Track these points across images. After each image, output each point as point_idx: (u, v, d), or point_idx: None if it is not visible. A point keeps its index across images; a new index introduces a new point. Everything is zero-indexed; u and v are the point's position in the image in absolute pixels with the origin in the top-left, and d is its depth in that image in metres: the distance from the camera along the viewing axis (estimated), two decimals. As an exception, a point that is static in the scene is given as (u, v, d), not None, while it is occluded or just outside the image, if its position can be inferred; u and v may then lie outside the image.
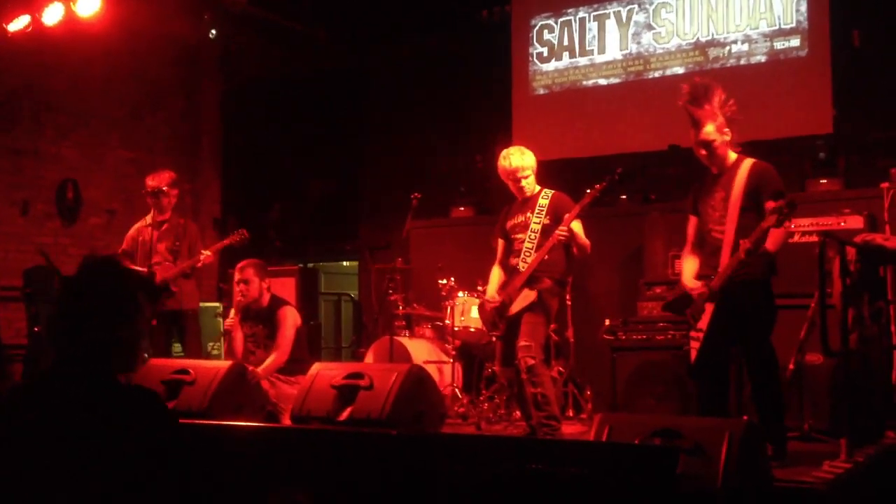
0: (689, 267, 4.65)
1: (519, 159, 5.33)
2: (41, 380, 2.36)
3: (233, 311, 6.32)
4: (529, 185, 5.36)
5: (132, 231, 6.86)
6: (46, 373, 2.37)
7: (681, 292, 4.66)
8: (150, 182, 6.69)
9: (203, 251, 6.53)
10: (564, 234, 5.06)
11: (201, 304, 7.17)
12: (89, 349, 2.31)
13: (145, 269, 6.49)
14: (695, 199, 4.71)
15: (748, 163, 4.53)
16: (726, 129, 4.52)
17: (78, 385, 2.28)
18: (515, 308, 5.20)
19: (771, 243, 4.31)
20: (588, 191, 5.16)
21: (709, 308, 4.43)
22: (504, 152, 5.41)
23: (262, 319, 6.13)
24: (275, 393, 5.85)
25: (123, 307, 2.38)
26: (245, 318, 6.20)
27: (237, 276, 6.13)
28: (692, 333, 4.51)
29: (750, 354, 4.45)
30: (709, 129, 4.49)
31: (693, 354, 4.49)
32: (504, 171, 5.38)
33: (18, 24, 7.57)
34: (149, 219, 6.73)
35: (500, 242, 5.51)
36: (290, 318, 6.08)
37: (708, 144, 4.51)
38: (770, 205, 4.32)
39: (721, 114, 4.53)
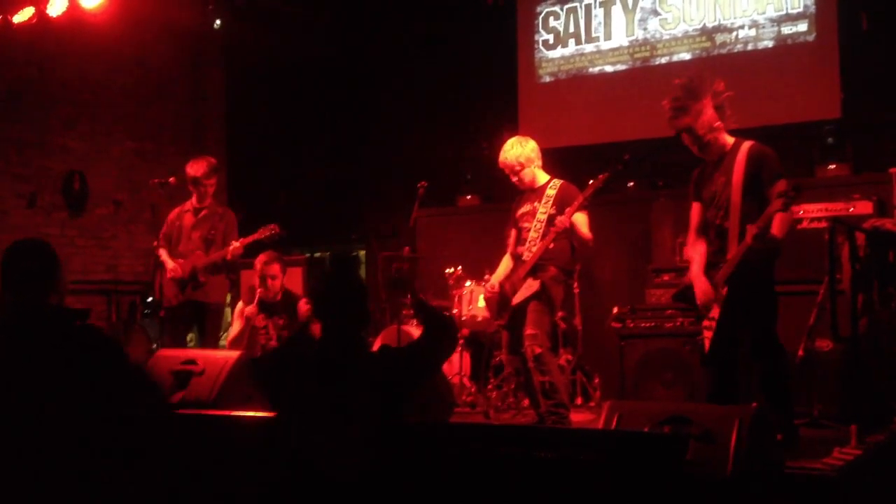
0: (697, 257, 4.57)
1: (517, 150, 5.32)
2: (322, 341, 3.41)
3: (240, 304, 6.23)
4: (528, 175, 5.34)
5: (173, 214, 6.65)
6: (324, 337, 3.40)
7: (689, 282, 4.62)
8: (190, 170, 6.52)
9: (234, 242, 6.30)
10: (561, 225, 5.04)
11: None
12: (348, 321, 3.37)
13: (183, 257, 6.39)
14: (697, 185, 4.66)
15: (746, 145, 4.46)
16: (716, 124, 4.48)
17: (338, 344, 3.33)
18: (519, 298, 5.19)
19: (777, 229, 4.24)
20: (591, 181, 5.11)
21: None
22: (505, 145, 5.39)
23: (276, 311, 6.10)
24: None
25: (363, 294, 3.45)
26: (258, 310, 6.13)
27: (264, 270, 6.04)
28: (705, 322, 4.47)
29: (756, 343, 4.40)
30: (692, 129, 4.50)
31: (707, 344, 4.46)
32: (502, 164, 5.38)
33: (23, 15, 7.57)
34: (190, 204, 6.57)
35: (512, 232, 5.50)
36: None
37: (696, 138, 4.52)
38: (773, 190, 4.28)
39: (711, 104, 4.49)
